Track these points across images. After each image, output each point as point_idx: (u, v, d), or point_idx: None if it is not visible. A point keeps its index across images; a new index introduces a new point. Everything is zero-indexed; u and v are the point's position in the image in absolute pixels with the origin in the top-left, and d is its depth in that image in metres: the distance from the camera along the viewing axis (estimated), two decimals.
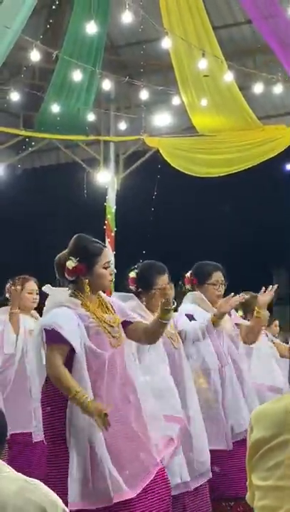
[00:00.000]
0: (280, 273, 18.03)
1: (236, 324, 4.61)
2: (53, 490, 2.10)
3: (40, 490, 2.02)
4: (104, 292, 3.62)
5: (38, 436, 4.62)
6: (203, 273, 4.51)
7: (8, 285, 5.28)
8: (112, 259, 3.58)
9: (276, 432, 2.11)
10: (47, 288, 3.51)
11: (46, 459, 3.41)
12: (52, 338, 3.26)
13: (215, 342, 4.29)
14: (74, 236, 3.52)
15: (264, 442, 2.13)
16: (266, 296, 4.44)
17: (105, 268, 3.46)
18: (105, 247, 3.56)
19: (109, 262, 3.49)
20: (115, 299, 3.69)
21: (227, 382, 4.32)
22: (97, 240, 3.55)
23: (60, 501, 2.04)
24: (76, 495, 3.11)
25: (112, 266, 3.52)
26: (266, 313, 4.63)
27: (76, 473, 3.13)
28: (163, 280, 3.97)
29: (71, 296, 3.44)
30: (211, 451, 4.02)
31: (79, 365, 3.25)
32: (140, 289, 4.01)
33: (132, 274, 4.06)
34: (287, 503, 2.01)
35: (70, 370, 3.25)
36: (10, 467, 2.11)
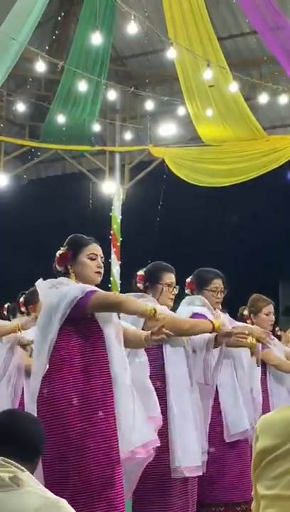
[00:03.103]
0: (286, 283, 17.99)
1: None
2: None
3: (62, 509, 1.98)
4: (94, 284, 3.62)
5: None
6: (203, 279, 4.54)
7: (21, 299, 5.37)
8: (100, 253, 3.58)
9: (281, 440, 2.10)
10: (40, 281, 3.53)
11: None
12: (91, 292, 3.30)
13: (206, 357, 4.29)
14: None
15: (269, 451, 2.12)
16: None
17: (91, 259, 3.49)
18: (97, 242, 3.58)
19: (96, 255, 3.51)
20: None
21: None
22: (90, 237, 3.60)
23: None
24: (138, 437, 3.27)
25: (100, 260, 3.53)
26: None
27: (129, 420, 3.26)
28: (170, 277, 4.10)
29: None
30: None
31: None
32: (147, 284, 4.10)
33: (140, 272, 4.16)
34: None
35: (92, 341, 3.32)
36: (37, 481, 2.07)
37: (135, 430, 3.24)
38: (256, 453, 2.18)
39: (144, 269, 4.17)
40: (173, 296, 4.14)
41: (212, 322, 3.94)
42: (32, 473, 2.15)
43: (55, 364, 3.28)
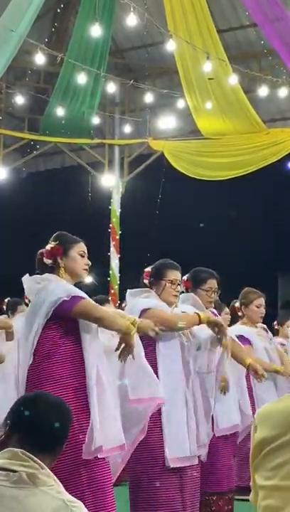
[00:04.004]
0: (286, 277, 17.98)
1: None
2: None
3: None
4: (80, 280, 3.71)
5: None
6: (198, 278, 4.62)
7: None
8: (86, 250, 3.72)
9: (280, 431, 2.10)
10: (26, 277, 3.61)
11: None
12: (76, 299, 3.40)
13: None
14: None
15: (268, 442, 2.11)
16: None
17: (81, 256, 3.64)
18: (84, 242, 3.73)
19: (85, 253, 3.65)
20: None
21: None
22: (77, 237, 3.75)
23: None
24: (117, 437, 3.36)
25: (86, 258, 3.67)
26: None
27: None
28: (174, 275, 4.18)
29: None
30: None
31: (92, 331, 3.45)
32: (152, 279, 4.20)
33: (147, 269, 4.25)
34: None
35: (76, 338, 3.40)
36: (57, 480, 2.03)
37: (102, 431, 3.29)
38: (254, 443, 2.18)
39: (152, 266, 4.25)
40: (177, 293, 4.22)
41: (198, 314, 4.10)
42: (53, 461, 2.11)
43: (41, 357, 3.37)
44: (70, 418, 2.21)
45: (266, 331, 5.68)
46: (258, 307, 5.36)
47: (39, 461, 2.01)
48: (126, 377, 3.63)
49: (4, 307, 6.60)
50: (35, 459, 2.01)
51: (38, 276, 3.57)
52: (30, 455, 2.01)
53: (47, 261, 3.58)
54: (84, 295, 3.46)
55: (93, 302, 3.48)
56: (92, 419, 3.27)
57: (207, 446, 4.15)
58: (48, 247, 3.60)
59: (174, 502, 3.85)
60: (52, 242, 3.61)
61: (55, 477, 2.03)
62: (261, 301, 5.38)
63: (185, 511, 3.90)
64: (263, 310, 5.40)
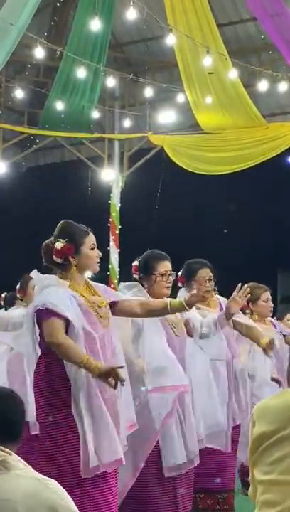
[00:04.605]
0: (285, 272, 17.98)
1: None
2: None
3: (53, 490, 1.98)
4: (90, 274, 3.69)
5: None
6: (190, 271, 4.57)
7: None
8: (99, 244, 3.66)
9: (279, 426, 2.11)
10: (34, 273, 3.56)
11: (39, 442, 3.41)
12: (48, 314, 3.28)
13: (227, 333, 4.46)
14: (61, 222, 3.59)
15: (266, 436, 2.12)
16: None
17: (92, 249, 3.50)
18: (90, 231, 3.59)
19: (94, 245, 3.52)
20: (99, 284, 3.69)
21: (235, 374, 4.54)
22: (82, 225, 3.60)
23: (72, 502, 2.00)
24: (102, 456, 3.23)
25: (97, 249, 3.56)
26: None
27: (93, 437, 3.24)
28: (164, 266, 4.05)
29: (59, 278, 3.50)
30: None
31: (76, 339, 3.29)
32: (141, 275, 4.08)
33: (135, 263, 4.13)
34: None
35: None
36: (26, 463, 2.07)
37: (98, 449, 3.23)
38: (253, 439, 2.19)
39: (139, 258, 4.13)
40: (169, 285, 4.08)
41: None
42: (16, 446, 2.14)
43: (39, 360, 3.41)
44: (23, 405, 2.23)
45: (275, 326, 5.67)
46: (266, 301, 5.35)
47: (7, 450, 2.05)
48: (148, 366, 3.62)
49: (2, 302, 6.57)
50: (3, 448, 2.05)
51: (42, 276, 3.49)
52: None
53: (58, 259, 3.44)
54: (62, 312, 3.27)
55: (59, 326, 3.25)
56: (83, 439, 3.21)
57: (195, 460, 3.99)
58: (59, 246, 3.42)
59: (166, 505, 3.79)
60: (62, 240, 3.44)
61: (22, 460, 2.07)
62: (268, 294, 5.37)
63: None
64: (271, 304, 5.39)
